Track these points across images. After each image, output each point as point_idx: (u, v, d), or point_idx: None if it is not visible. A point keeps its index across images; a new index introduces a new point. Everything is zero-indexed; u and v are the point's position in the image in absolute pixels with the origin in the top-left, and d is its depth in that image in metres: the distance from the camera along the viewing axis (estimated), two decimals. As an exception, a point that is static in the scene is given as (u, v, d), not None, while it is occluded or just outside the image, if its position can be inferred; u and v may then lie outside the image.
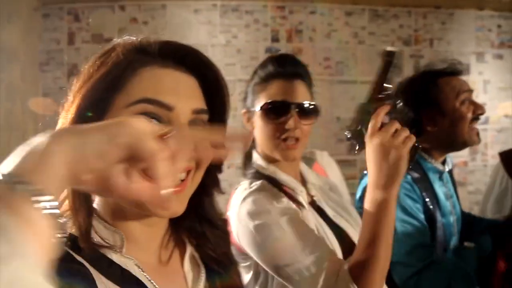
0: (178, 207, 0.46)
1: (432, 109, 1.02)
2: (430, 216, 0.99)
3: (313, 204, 0.84)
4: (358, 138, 0.70)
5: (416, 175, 1.01)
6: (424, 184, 1.01)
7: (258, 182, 0.78)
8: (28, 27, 3.42)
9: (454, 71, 1.04)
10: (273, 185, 0.78)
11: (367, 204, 0.70)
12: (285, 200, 0.76)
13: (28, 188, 0.28)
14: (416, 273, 0.89)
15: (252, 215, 0.72)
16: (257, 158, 0.82)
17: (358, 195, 1.15)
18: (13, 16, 3.24)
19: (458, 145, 1.01)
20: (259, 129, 0.79)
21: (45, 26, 3.49)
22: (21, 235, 0.26)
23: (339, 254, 0.77)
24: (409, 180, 0.99)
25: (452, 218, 1.06)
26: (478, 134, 1.03)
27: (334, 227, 0.82)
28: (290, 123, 0.79)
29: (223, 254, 0.47)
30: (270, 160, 0.81)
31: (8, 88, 3.20)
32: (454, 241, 1.06)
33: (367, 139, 0.69)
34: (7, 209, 0.26)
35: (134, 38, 0.54)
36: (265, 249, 0.69)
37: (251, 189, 0.76)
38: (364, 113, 0.72)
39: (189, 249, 0.54)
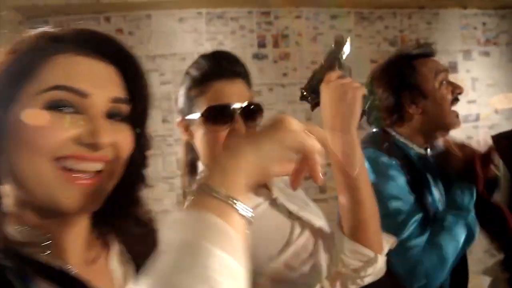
0: None
1: (411, 92, 0.99)
2: (421, 204, 0.96)
3: (275, 203, 0.78)
4: (312, 94, 0.72)
5: (399, 161, 0.98)
6: (411, 170, 0.97)
7: None
8: (13, 41, 3.40)
9: (428, 53, 1.02)
10: None
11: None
12: None
13: (228, 196, 0.37)
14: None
15: None
16: (203, 170, 0.74)
17: None
18: (-3, 31, 3.23)
19: (441, 127, 0.99)
20: (200, 138, 0.70)
21: (30, 40, 3.47)
22: (231, 231, 0.35)
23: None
24: (395, 166, 0.96)
25: (440, 207, 1.02)
26: (457, 116, 1.02)
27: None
28: (237, 128, 0.71)
29: (152, 250, 0.45)
30: None
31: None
32: None
33: (323, 85, 0.69)
34: (216, 212, 0.36)
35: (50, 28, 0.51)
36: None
37: None
38: (317, 77, 0.73)
39: (116, 247, 0.52)
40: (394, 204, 0.89)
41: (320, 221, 0.77)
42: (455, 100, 0.99)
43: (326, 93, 0.68)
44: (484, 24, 3.79)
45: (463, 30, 3.76)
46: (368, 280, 0.68)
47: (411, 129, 1.01)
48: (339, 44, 0.73)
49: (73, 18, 3.42)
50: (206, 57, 0.74)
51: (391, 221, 0.85)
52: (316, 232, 0.70)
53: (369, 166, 0.94)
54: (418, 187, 0.96)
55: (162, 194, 3.41)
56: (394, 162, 0.93)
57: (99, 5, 3.30)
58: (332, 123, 0.66)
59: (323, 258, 0.66)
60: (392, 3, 3.51)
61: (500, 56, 3.83)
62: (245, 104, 0.73)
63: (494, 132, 4.05)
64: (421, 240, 0.87)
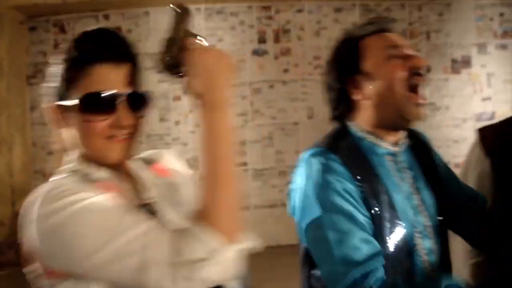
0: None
1: (357, 77, 0.79)
2: (374, 218, 0.78)
3: (147, 206, 0.65)
4: (175, 65, 0.60)
5: (348, 159, 0.78)
6: (362, 169, 0.78)
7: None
8: (14, 40, 3.43)
9: (377, 29, 0.80)
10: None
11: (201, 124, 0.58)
12: None
13: None
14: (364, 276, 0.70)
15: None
16: (74, 159, 0.62)
17: None
18: (-3, 30, 3.26)
19: (395, 116, 0.76)
20: (77, 127, 0.58)
21: (31, 39, 3.50)
22: None
23: None
24: (338, 163, 0.77)
25: (421, 218, 0.81)
26: (419, 104, 0.75)
27: None
28: (120, 118, 0.62)
29: None
30: (92, 160, 0.61)
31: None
32: (429, 255, 0.80)
33: (191, 53, 0.57)
34: None
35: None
36: None
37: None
38: (173, 47, 0.62)
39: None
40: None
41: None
42: (416, 75, 0.73)
43: (198, 60, 0.57)
44: (501, 15, 3.55)
45: (478, 22, 3.53)
46: (211, 278, 0.52)
47: (366, 121, 0.82)
48: (186, 10, 0.62)
49: (72, 16, 3.42)
50: (90, 35, 0.63)
51: None
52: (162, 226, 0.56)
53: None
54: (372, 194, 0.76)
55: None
56: (337, 161, 0.76)
57: (98, 3, 3.29)
58: (207, 88, 0.57)
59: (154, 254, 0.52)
60: (400, -6, 3.33)
61: (519, 49, 3.58)
62: (130, 92, 0.63)
63: None
64: None
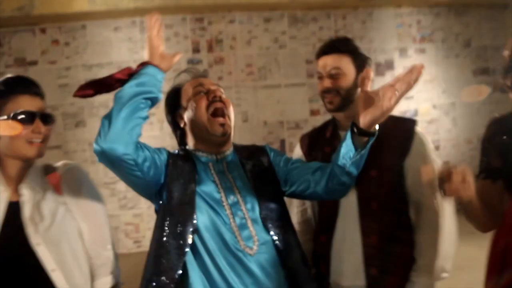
0: None
1: (179, 111, 1.10)
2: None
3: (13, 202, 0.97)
4: None
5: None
6: (184, 169, 1.01)
7: None
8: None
9: (193, 75, 1.13)
10: None
11: None
12: None
13: None
14: None
15: None
16: None
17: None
18: None
19: (206, 133, 1.01)
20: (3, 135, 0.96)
21: (-33, 54, 3.54)
22: None
23: None
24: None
25: (233, 223, 0.95)
26: (222, 124, 1.02)
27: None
28: (37, 127, 0.97)
29: None
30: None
31: None
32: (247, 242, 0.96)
33: None
34: None
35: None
36: None
37: None
38: None
39: None
40: None
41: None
42: (215, 104, 1.01)
43: None
44: (419, 22, 3.89)
45: (399, 29, 3.85)
46: None
47: (195, 140, 1.09)
48: None
49: (9, 30, 3.48)
50: (13, 78, 1.02)
51: None
52: None
53: None
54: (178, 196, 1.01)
55: (105, 200, 3.47)
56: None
57: (34, 17, 3.36)
58: None
59: None
60: (325, 4, 3.60)
61: (436, 52, 3.92)
62: (41, 111, 0.99)
63: (434, 126, 4.05)
64: None
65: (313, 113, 3.68)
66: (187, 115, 1.05)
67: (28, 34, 3.50)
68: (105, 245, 1.05)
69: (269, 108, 3.60)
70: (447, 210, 1.13)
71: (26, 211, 0.94)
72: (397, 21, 3.85)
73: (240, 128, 3.56)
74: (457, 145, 3.99)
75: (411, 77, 0.90)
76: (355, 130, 0.93)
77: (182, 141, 1.13)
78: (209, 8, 3.46)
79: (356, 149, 0.94)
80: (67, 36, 3.51)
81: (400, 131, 1.15)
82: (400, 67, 3.84)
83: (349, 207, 1.13)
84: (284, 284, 0.98)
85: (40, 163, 1.04)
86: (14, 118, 0.94)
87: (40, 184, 0.99)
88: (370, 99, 0.91)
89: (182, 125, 1.09)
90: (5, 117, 0.93)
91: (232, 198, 1.01)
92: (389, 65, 3.82)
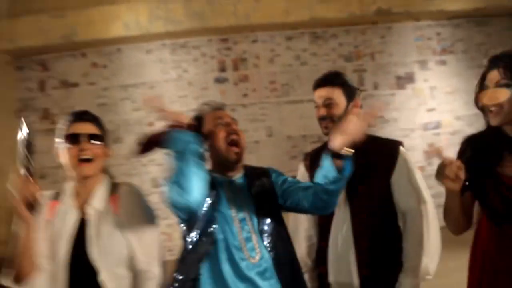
0: None
1: (204, 137, 1.27)
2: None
3: (83, 219, 1.17)
4: None
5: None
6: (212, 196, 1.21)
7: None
8: (1, 80, 3.86)
9: (213, 108, 1.32)
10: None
11: None
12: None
13: None
14: None
15: None
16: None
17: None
18: (-13, 72, 3.69)
19: (223, 159, 1.21)
20: (63, 152, 1.20)
21: (18, 77, 3.93)
22: None
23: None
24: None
25: (240, 236, 1.15)
26: (237, 153, 1.22)
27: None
28: (82, 146, 1.19)
29: None
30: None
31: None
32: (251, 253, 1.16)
33: None
34: None
35: None
36: None
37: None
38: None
39: None
40: None
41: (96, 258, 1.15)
42: (232, 136, 1.22)
43: None
44: (438, 34, 3.95)
45: (418, 42, 3.93)
46: None
47: (213, 164, 1.27)
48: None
49: (54, 55, 3.85)
50: (73, 112, 1.28)
51: None
52: None
53: None
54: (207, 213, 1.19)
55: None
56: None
57: (75, 43, 3.71)
58: None
59: None
60: (344, 20, 3.73)
61: (457, 63, 3.96)
62: (87, 132, 1.21)
63: (457, 138, 4.10)
64: None
65: (334, 126, 3.82)
66: (207, 143, 1.25)
67: (70, 58, 3.85)
68: (154, 262, 1.22)
69: (292, 123, 3.76)
70: (431, 220, 1.27)
71: (91, 229, 1.14)
72: (416, 34, 3.93)
73: (265, 143, 3.75)
74: (480, 155, 4.00)
75: (372, 116, 1.07)
76: (330, 153, 1.11)
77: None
78: (233, 29, 3.69)
79: (337, 170, 1.10)
80: (105, 59, 3.83)
81: (386, 151, 1.33)
82: (421, 79, 3.91)
83: (344, 218, 1.30)
84: None
85: (107, 179, 1.25)
86: (66, 139, 1.19)
87: (103, 203, 1.19)
88: (342, 126, 1.09)
89: (206, 151, 1.29)
90: (62, 139, 1.20)
91: (240, 215, 1.20)
92: (410, 78, 3.90)
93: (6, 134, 3.88)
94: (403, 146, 1.39)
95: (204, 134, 1.24)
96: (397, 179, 1.32)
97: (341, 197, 1.29)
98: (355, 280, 1.29)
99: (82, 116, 1.23)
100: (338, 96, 1.36)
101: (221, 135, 1.23)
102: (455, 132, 3.96)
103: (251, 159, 3.94)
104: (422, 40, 3.93)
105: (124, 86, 3.82)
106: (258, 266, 1.15)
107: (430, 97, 3.92)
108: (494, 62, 1.14)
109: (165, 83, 3.77)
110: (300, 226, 1.48)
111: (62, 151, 1.19)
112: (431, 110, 3.91)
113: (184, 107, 3.74)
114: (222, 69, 3.78)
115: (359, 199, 1.30)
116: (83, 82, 3.85)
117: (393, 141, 1.43)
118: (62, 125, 1.24)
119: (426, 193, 1.35)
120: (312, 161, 1.47)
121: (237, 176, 1.27)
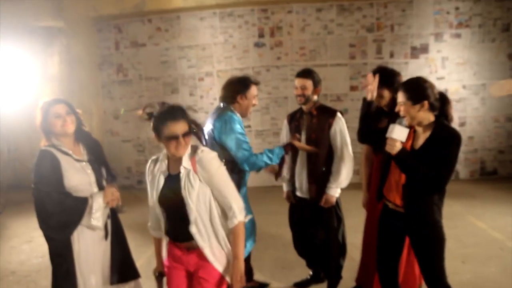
0: None
1: (242, 93, 2.05)
2: None
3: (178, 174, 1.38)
4: None
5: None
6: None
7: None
8: (87, 39, 4.88)
9: (254, 83, 2.07)
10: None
11: None
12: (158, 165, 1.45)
13: None
14: None
15: None
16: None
17: None
18: (77, 33, 4.72)
19: (246, 115, 2.07)
20: (164, 143, 1.35)
21: (98, 38, 4.93)
22: None
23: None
24: (240, 121, 1.98)
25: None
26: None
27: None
28: (179, 143, 1.32)
29: None
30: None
31: (78, 84, 4.72)
32: None
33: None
34: None
35: None
36: None
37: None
38: None
39: None
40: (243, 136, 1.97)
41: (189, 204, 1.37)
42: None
43: None
44: (457, 8, 4.37)
45: (436, 15, 4.39)
46: None
47: (239, 108, 2.04)
48: None
49: (126, 20, 4.78)
50: (164, 110, 1.37)
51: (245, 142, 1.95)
52: None
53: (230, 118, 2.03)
54: None
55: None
56: (239, 118, 1.99)
57: (143, 12, 4.60)
58: None
59: None
60: (370, -5, 4.27)
61: (471, 37, 4.40)
62: (183, 132, 1.33)
63: (462, 105, 4.67)
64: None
65: (353, 88, 4.52)
66: (243, 101, 2.03)
67: (139, 23, 4.78)
68: (234, 196, 1.40)
69: (316, 83, 4.50)
70: (347, 155, 2.04)
71: (183, 181, 1.36)
72: (435, 8, 4.39)
73: (293, 99, 4.54)
74: (483, 122, 4.53)
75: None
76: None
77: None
78: (272, 1, 4.39)
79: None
80: (167, 24, 4.71)
81: (329, 116, 2.07)
82: (434, 50, 4.43)
83: (302, 152, 2.10)
84: None
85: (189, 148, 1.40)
86: (166, 140, 1.30)
87: (188, 164, 1.39)
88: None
89: (239, 99, 2.02)
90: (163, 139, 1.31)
91: None
92: (424, 49, 4.43)
93: (91, 82, 4.98)
94: (341, 113, 2.12)
95: (245, 95, 1.99)
96: (332, 133, 2.07)
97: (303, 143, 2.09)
98: (306, 186, 2.09)
99: (175, 115, 1.31)
100: (308, 84, 2.12)
101: (254, 101, 2.07)
102: (460, 99, 4.50)
103: (280, 111, 4.82)
104: (441, 13, 4.39)
105: (181, 47, 4.71)
106: None
107: (441, 67, 4.45)
108: None
109: (214, 46, 4.61)
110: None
111: (158, 139, 1.37)
112: (440, 78, 4.45)
113: (229, 66, 4.59)
114: (261, 35, 4.54)
115: (311, 143, 2.07)
116: (149, 43, 4.79)
117: (333, 109, 2.13)
118: (157, 122, 1.33)
119: (347, 141, 2.08)
120: (290, 119, 2.23)
121: None
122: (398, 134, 1.48)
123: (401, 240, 1.60)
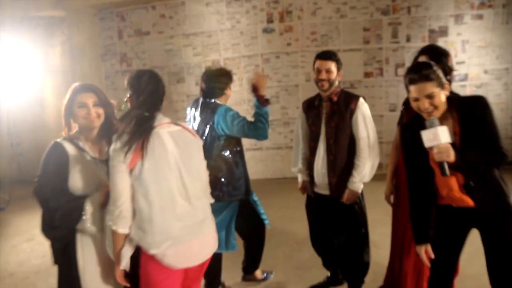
0: None
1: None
2: None
3: None
4: None
5: None
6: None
7: None
8: (90, 28, 4.70)
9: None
10: None
11: None
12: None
13: None
14: None
15: None
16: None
17: None
18: (79, 22, 4.54)
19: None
20: None
21: (101, 27, 4.75)
22: None
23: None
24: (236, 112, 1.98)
25: None
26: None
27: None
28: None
29: None
30: None
31: (81, 74, 4.56)
32: None
33: None
34: None
35: None
36: None
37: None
38: None
39: None
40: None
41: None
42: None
43: None
44: (479, -13, 4.08)
45: (456, -4, 4.10)
46: None
47: (224, 100, 2.00)
48: None
49: (129, 8, 4.58)
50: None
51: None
52: None
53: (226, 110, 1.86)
54: None
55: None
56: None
57: (147, -2, 4.40)
58: None
59: None
60: (385, -25, 4.00)
61: (494, 18, 4.11)
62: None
63: (483, 91, 4.39)
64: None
65: (367, 75, 4.27)
66: (229, 92, 1.97)
67: (143, 10, 4.57)
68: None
69: (328, 70, 4.26)
70: (374, 148, 1.83)
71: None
72: (455, -12, 4.09)
73: (303, 86, 4.32)
74: (505, 109, 4.26)
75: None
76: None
77: None
78: (281, -17, 4.14)
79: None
80: (171, 11, 4.50)
81: (351, 102, 1.86)
82: (454, 33, 4.15)
83: (321, 143, 1.89)
84: None
85: None
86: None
87: None
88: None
89: (225, 92, 1.99)
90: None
91: None
92: (443, 32, 4.16)
93: (94, 73, 4.82)
94: (364, 99, 1.90)
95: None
96: (355, 120, 1.84)
97: (322, 134, 1.88)
98: (326, 181, 1.87)
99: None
100: (332, 67, 1.86)
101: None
102: (481, 85, 4.23)
103: (291, 100, 4.60)
104: (461, -6, 4.09)
105: (187, 35, 4.51)
106: None
107: (461, 50, 4.17)
108: None
109: (221, 32, 4.39)
110: (297, 147, 2.08)
111: None
112: (460, 63, 4.18)
113: (237, 53, 4.38)
114: (270, 21, 4.31)
115: (330, 131, 1.86)
116: (153, 31, 4.59)
117: (356, 95, 1.91)
118: None
119: (372, 129, 1.86)
120: (307, 107, 2.01)
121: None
122: (445, 135, 1.19)
123: (464, 238, 1.38)
